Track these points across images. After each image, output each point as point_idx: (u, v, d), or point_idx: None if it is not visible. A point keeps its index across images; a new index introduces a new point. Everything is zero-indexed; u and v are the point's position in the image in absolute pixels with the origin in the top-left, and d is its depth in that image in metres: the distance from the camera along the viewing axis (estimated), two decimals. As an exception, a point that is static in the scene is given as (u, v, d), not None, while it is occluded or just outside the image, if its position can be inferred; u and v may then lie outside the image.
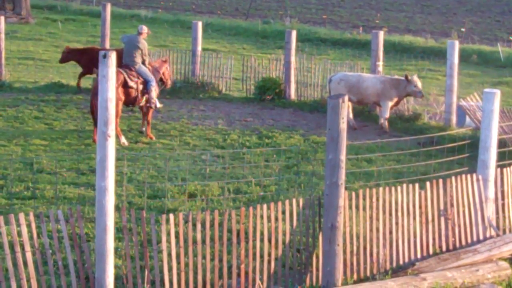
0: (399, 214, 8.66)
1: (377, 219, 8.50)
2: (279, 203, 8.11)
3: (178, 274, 7.51)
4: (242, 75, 20.05)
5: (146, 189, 11.05)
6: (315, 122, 16.67)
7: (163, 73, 15.67)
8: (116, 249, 7.80)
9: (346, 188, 8.01)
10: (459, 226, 9.13)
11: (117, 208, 7.80)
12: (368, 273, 8.42)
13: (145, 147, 14.17)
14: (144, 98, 14.76)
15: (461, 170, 10.36)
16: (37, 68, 22.00)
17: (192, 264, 7.58)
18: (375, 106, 16.89)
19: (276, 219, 8.06)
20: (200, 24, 20.37)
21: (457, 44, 16.45)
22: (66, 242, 7.24)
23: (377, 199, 8.52)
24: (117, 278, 7.56)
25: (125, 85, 14.40)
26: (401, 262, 8.65)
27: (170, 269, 7.46)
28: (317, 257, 8.17)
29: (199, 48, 20.00)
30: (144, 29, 15.16)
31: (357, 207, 8.38)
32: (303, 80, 18.99)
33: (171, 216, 7.49)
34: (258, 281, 7.84)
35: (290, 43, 18.79)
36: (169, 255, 7.47)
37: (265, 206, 7.97)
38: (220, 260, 7.85)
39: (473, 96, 15.40)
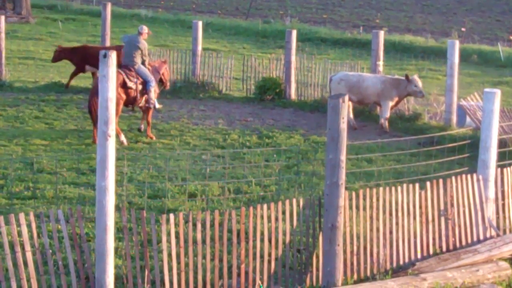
0: (399, 214, 8.65)
1: (377, 219, 8.49)
2: (279, 203, 8.10)
3: (178, 274, 7.50)
4: (242, 75, 20.04)
5: (146, 189, 11.04)
6: (316, 122, 16.66)
7: (162, 74, 15.65)
8: (116, 249, 7.79)
9: (346, 188, 8.00)
10: (459, 226, 9.13)
11: (117, 208, 7.80)
12: (368, 273, 8.41)
13: (145, 147, 14.16)
14: (144, 98, 14.75)
15: (462, 170, 10.34)
16: (38, 67, 22.00)
17: (192, 264, 7.57)
18: (375, 106, 16.88)
19: (276, 219, 8.05)
20: (200, 23, 20.37)
21: (457, 44, 16.43)
22: (66, 242, 7.23)
23: (377, 199, 8.52)
24: (117, 278, 7.55)
25: (124, 86, 14.38)
26: (401, 262, 8.64)
27: (170, 269, 7.46)
28: (317, 257, 8.16)
29: (199, 47, 19.99)
30: (145, 29, 15.14)
31: (357, 207, 8.37)
32: (303, 80, 18.98)
33: (171, 216, 7.49)
34: (258, 281, 7.83)
35: (291, 42, 18.78)
36: (169, 255, 7.47)
37: (265, 206, 7.96)
38: (220, 260, 7.85)
39: (474, 96, 15.40)
